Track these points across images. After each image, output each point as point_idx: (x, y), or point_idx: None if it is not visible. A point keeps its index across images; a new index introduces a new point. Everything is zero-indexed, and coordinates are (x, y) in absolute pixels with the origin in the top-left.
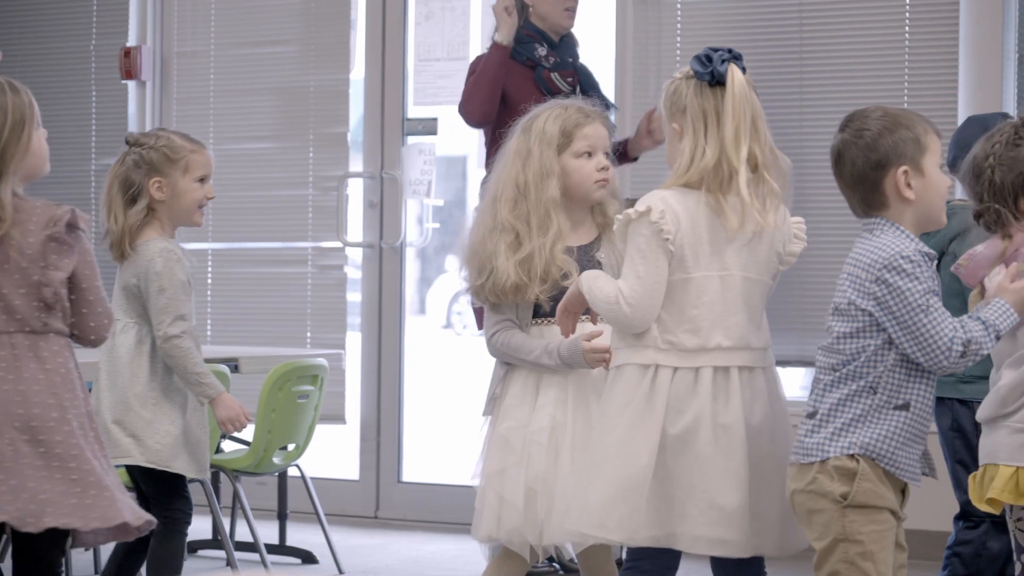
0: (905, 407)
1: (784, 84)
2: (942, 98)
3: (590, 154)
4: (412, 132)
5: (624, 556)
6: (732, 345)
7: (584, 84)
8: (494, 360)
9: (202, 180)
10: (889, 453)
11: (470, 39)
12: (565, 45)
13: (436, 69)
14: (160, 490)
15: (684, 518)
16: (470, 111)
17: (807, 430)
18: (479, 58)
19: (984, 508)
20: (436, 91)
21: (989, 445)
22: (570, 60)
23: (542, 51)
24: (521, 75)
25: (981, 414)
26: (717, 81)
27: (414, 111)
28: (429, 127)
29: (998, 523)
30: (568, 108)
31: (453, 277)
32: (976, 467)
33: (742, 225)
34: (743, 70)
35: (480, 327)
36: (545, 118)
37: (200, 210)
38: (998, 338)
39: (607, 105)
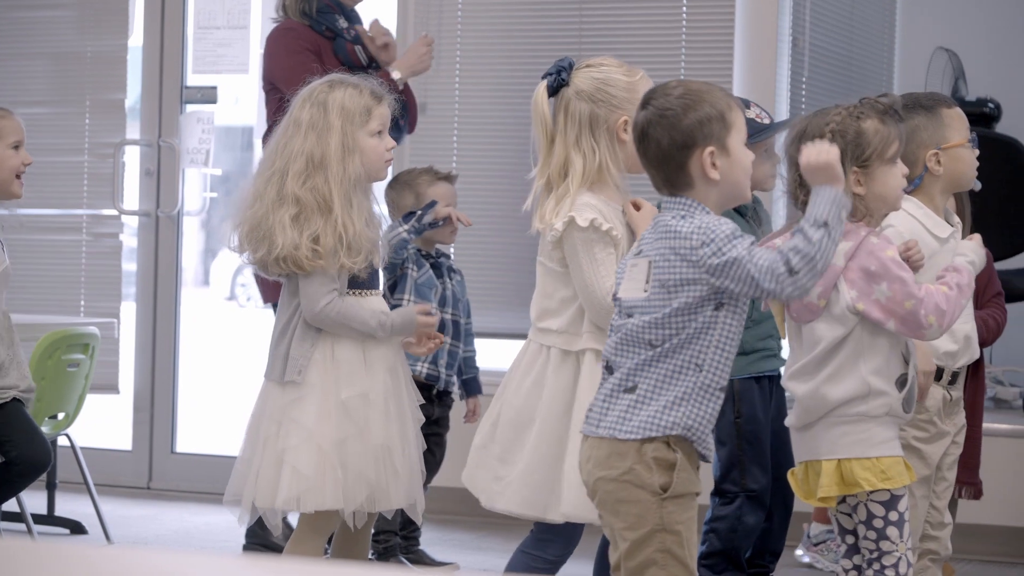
0: (723, 390)
1: None
2: (718, 78)
3: (380, 134)
4: (191, 100)
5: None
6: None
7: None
8: (289, 327)
9: (16, 147)
10: (706, 436)
11: (251, 7)
12: (355, 19)
13: (216, 37)
14: None
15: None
16: None
17: (626, 406)
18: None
19: (816, 504)
20: (216, 59)
21: (807, 442)
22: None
23: (343, 23)
24: (320, 46)
25: (790, 422)
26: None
27: (193, 79)
28: (208, 95)
29: (752, 498)
30: (361, 87)
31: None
32: (729, 443)
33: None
34: (561, 82)
35: (266, 300)
36: (343, 94)
37: (18, 180)
38: (826, 225)
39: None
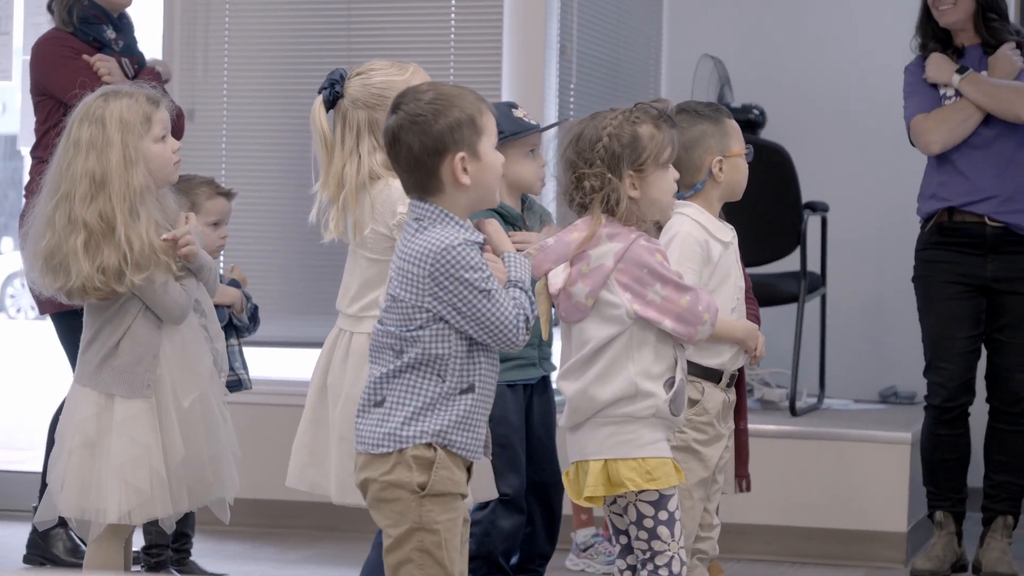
0: (470, 389)
1: (331, 66)
2: (487, 84)
3: (164, 138)
4: None
5: None
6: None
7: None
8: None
9: None
10: (460, 439)
11: (13, 13)
12: (126, 26)
13: None
14: None
15: None
16: None
17: (376, 420)
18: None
19: (584, 504)
20: None
21: (576, 443)
22: (135, 45)
23: (111, 34)
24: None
25: (561, 423)
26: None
27: None
28: None
29: (506, 502)
30: (136, 95)
31: (7, 258)
32: (499, 442)
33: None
34: (336, 94)
35: (42, 311)
36: (119, 105)
37: None
38: (530, 294)
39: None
